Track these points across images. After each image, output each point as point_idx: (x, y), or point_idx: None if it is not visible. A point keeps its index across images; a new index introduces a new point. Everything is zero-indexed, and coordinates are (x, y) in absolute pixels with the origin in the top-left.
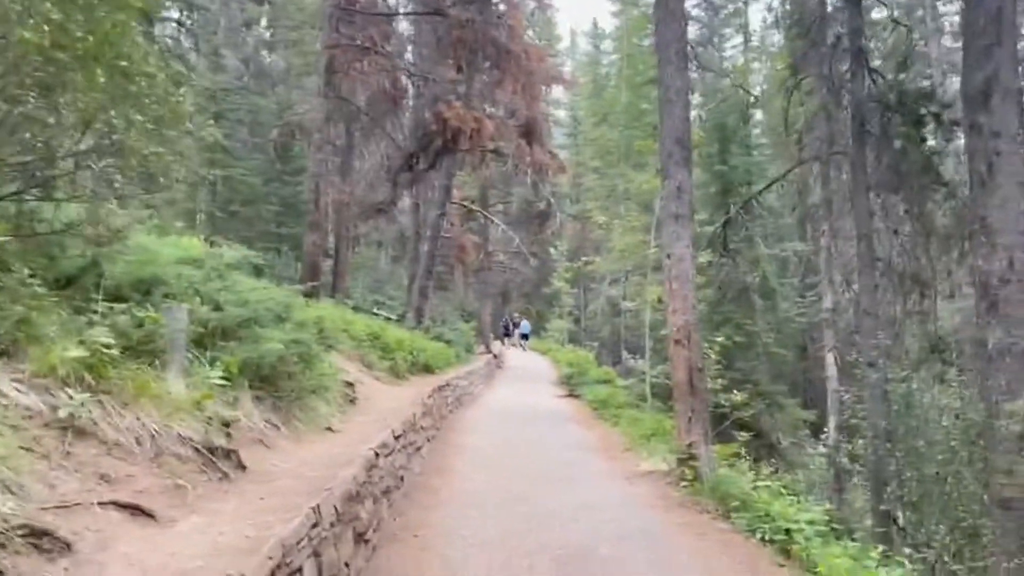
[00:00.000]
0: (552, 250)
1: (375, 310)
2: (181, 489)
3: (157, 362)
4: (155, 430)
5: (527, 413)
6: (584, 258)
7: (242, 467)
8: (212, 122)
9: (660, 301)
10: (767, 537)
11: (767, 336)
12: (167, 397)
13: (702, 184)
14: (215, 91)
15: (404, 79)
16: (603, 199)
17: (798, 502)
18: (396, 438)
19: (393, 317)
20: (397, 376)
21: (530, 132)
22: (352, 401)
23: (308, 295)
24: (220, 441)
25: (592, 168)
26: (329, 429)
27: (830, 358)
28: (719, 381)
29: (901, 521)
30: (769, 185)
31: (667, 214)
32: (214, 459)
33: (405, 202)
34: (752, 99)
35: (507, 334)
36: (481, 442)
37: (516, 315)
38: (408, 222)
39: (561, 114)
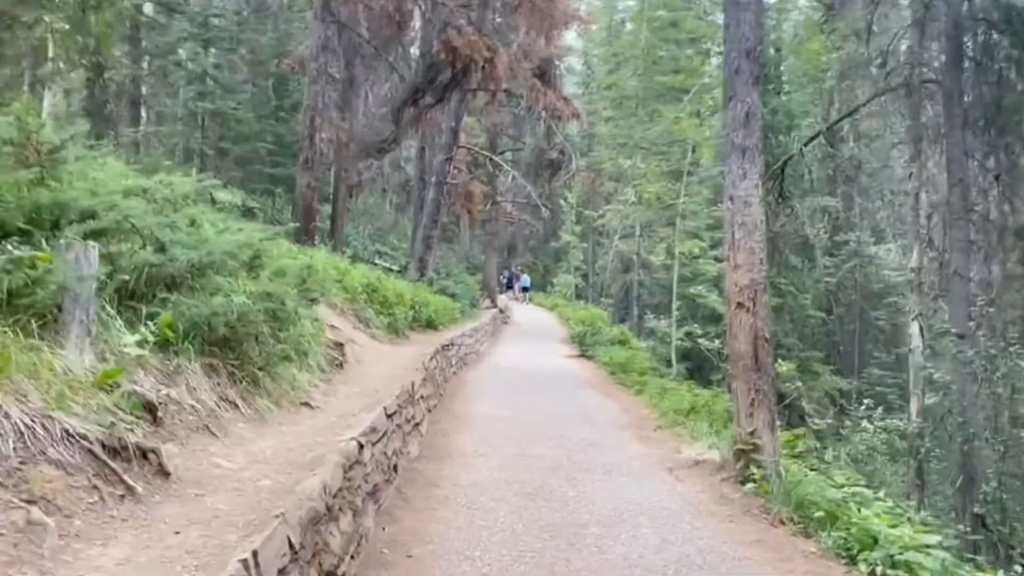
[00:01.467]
0: (562, 202)
1: (375, 260)
2: (36, 529)
3: (54, 323)
4: (26, 424)
5: (538, 375)
6: (606, 207)
7: (164, 473)
8: (201, 50)
9: (690, 256)
10: (880, 573)
11: (802, 297)
12: (57, 373)
13: None
14: (206, 16)
15: (410, 3)
16: (617, 148)
17: (896, 510)
18: (389, 416)
19: (395, 268)
20: (397, 333)
21: (545, 73)
22: (340, 366)
23: (301, 241)
24: (134, 436)
25: (605, 118)
26: (306, 405)
27: (915, 327)
28: None
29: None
30: (842, 119)
31: (731, 146)
32: (115, 465)
33: (411, 150)
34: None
35: (509, 287)
36: (488, 413)
37: (517, 268)
38: (413, 169)
39: (573, 61)
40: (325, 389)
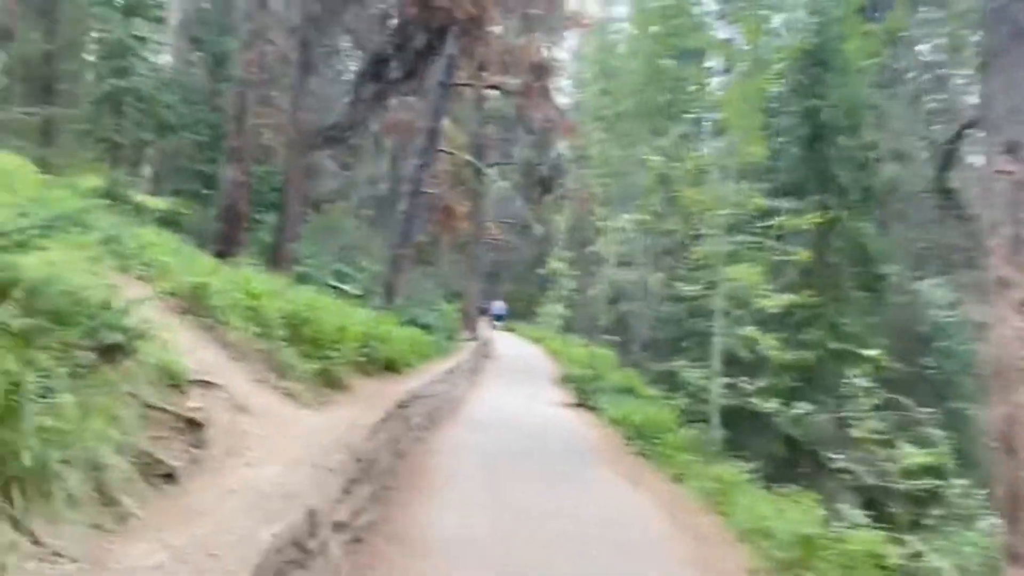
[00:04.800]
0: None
1: (333, 283)
2: None
3: None
4: None
5: (532, 440)
6: (604, 227)
7: None
8: (119, 18)
9: (753, 286)
10: None
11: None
12: None
13: (785, 131)
14: None
15: None
16: (613, 167)
17: None
18: None
19: (356, 294)
20: (331, 385)
21: (543, 69)
22: (169, 477)
23: (222, 252)
24: None
25: (596, 140)
26: None
27: None
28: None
29: None
30: None
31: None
32: None
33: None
34: None
35: (483, 313)
36: (458, 532)
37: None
38: (384, 173)
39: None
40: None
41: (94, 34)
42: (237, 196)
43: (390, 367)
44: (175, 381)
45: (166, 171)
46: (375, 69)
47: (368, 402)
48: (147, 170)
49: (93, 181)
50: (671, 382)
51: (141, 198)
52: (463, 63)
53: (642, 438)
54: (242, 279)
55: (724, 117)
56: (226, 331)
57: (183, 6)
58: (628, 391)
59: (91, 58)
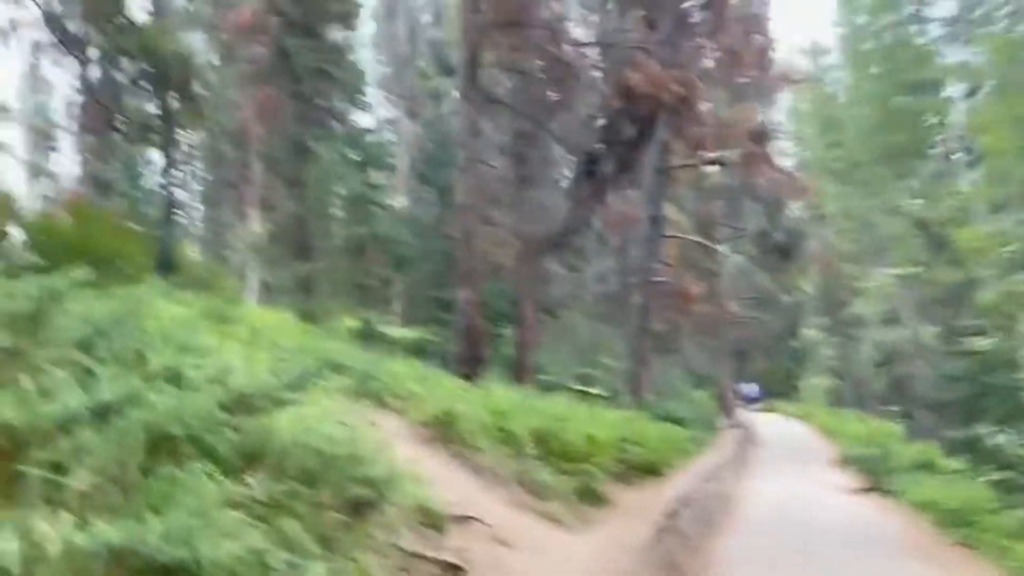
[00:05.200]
0: (792, 294)
1: (577, 387)
2: None
3: None
4: None
5: (825, 540)
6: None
7: None
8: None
9: None
10: None
11: None
12: None
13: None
14: (357, 132)
15: (570, 53)
16: (858, 220)
17: None
18: None
19: (603, 394)
20: (590, 499)
21: (761, 135)
22: None
23: (466, 374)
24: None
25: (834, 195)
26: None
27: None
28: None
29: None
30: None
31: None
32: None
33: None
34: None
35: (737, 396)
36: None
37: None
38: (612, 268)
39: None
40: None
41: (338, 190)
42: (472, 316)
43: (650, 470)
44: (432, 520)
45: (412, 303)
46: (589, 168)
47: (633, 516)
48: (395, 305)
49: (348, 323)
50: (975, 451)
51: (391, 332)
52: (676, 145)
53: (961, 524)
54: (487, 399)
55: (982, 143)
56: (477, 455)
57: (409, 150)
58: (924, 467)
59: (337, 212)
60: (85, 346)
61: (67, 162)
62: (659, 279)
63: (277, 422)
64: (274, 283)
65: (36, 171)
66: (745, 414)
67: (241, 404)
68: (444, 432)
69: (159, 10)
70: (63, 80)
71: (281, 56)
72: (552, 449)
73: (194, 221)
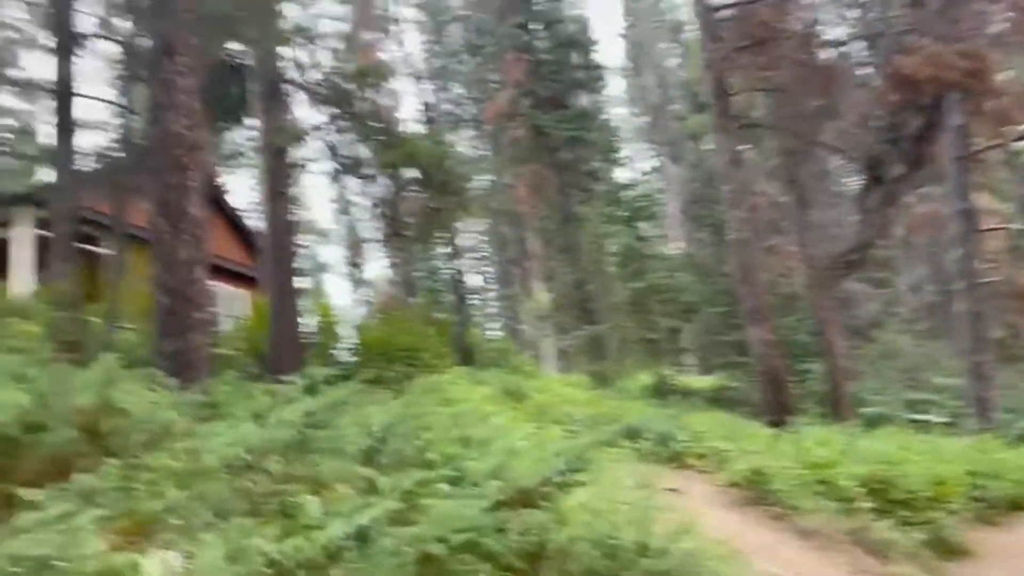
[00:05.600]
0: None
1: (909, 415)
2: None
3: None
4: None
5: None
6: None
7: None
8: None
9: None
10: None
11: None
12: None
13: None
14: (617, 189)
15: (829, 56)
16: None
17: None
18: None
19: (942, 420)
20: (946, 554)
21: None
22: None
23: (772, 420)
24: None
25: None
26: None
27: None
28: None
29: None
30: None
31: None
32: None
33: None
34: None
35: None
36: None
37: None
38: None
39: None
40: None
41: (610, 248)
42: (770, 356)
43: (1016, 505)
44: None
45: (705, 350)
46: (874, 173)
47: (1000, 567)
48: (688, 356)
49: (642, 380)
50: None
51: (687, 383)
52: (977, 126)
53: None
54: (799, 447)
55: None
56: (799, 516)
57: (678, 196)
58: None
59: (612, 270)
60: (367, 456)
61: (380, 269)
62: (987, 279)
63: (562, 510)
64: (567, 349)
65: (356, 282)
66: None
67: (522, 496)
68: (755, 493)
69: (429, 118)
70: (362, 198)
71: (537, 133)
72: (889, 498)
73: (488, 303)
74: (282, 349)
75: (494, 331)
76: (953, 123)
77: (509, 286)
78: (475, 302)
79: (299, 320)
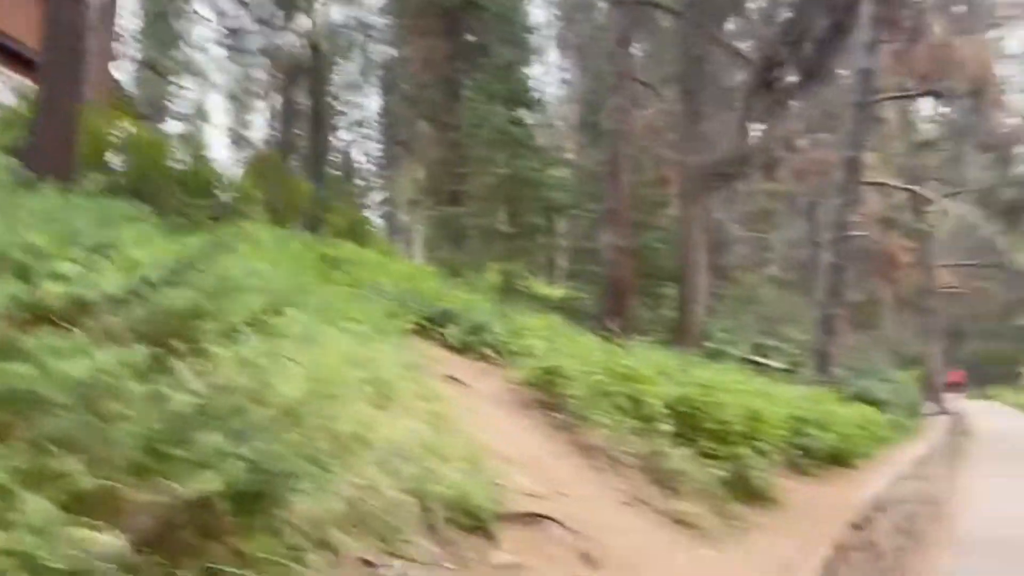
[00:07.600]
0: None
1: (750, 357)
2: None
3: None
4: None
5: None
6: None
7: None
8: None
9: None
10: None
11: None
12: None
13: None
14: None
15: None
16: None
17: None
18: None
19: (781, 367)
20: (745, 497)
21: (991, 68)
22: None
23: (606, 329)
24: None
25: None
26: None
27: None
28: None
29: None
30: None
31: None
32: None
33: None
34: None
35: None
36: None
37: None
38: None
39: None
40: None
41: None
42: (617, 263)
43: (836, 460)
44: (476, 520)
45: (574, 259)
46: (766, 77)
47: (804, 522)
48: (558, 261)
49: (496, 278)
50: None
51: (536, 288)
52: (887, 66)
53: None
54: (616, 358)
55: None
56: (589, 429)
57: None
58: None
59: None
60: None
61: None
62: (856, 233)
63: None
64: (430, 236)
65: (237, 140)
66: (957, 402)
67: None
68: (545, 396)
69: None
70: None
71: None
72: (698, 427)
73: (372, 185)
74: (47, 146)
75: (374, 215)
76: (862, 68)
77: (395, 169)
78: (361, 182)
79: (78, 116)
